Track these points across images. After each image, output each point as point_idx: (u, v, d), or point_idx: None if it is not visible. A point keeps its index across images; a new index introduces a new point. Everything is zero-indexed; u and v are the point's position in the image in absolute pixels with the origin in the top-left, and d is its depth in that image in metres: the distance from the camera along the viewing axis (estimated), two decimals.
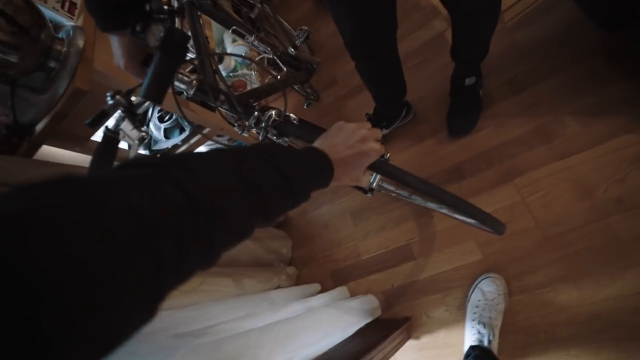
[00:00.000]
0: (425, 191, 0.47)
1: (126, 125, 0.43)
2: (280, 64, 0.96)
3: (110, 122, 0.45)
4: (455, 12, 0.86)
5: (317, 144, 0.46)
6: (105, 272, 0.17)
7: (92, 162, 0.47)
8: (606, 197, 0.91)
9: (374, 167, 0.47)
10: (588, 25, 0.98)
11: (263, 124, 0.53)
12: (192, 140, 1.16)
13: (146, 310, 0.21)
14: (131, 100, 0.45)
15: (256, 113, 0.53)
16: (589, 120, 0.97)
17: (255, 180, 0.31)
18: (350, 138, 0.46)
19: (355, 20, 0.81)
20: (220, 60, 1.37)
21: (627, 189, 0.89)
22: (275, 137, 0.58)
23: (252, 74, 1.37)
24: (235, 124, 0.59)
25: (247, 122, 0.55)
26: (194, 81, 0.50)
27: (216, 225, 0.25)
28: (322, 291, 1.23)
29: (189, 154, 0.32)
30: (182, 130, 1.16)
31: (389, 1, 0.80)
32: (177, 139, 1.16)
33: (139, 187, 0.22)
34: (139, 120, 0.45)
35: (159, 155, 0.31)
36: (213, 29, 1.34)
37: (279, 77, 0.88)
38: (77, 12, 0.86)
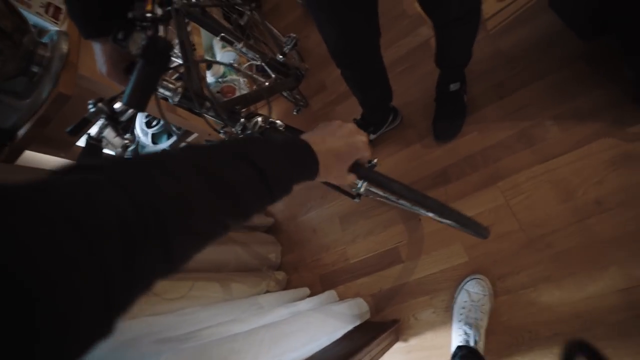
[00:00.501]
0: (410, 198, 0.47)
1: (109, 133, 0.43)
2: (269, 70, 0.96)
3: (93, 130, 0.45)
4: (436, 20, 0.88)
5: (304, 136, 0.44)
6: (49, 284, 0.16)
7: None
8: (585, 199, 0.94)
9: (360, 174, 0.47)
10: (568, 32, 1.01)
11: (249, 131, 0.53)
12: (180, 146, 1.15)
13: (101, 323, 0.19)
14: (114, 108, 0.45)
15: (242, 120, 0.54)
16: (570, 124, 1.00)
17: (224, 176, 0.29)
18: (338, 131, 0.45)
19: (338, 28, 0.83)
20: (209, 67, 1.37)
21: (605, 191, 0.92)
22: None
23: (239, 80, 1.38)
24: (221, 131, 0.59)
25: (233, 129, 0.56)
26: (179, 88, 0.51)
27: (172, 229, 0.23)
28: (311, 295, 1.23)
29: (147, 155, 0.29)
30: (169, 135, 1.16)
31: (370, 9, 0.82)
32: (164, 144, 1.15)
33: (77, 194, 0.20)
34: (123, 128, 0.45)
35: (104, 158, 0.29)
36: (202, 35, 1.34)
37: (267, 83, 0.89)
38: (61, 17, 0.86)
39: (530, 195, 1.01)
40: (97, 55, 0.48)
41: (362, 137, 0.46)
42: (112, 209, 0.21)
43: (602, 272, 0.88)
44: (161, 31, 0.44)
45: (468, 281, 1.01)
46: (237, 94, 1.38)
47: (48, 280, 0.16)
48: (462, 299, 0.99)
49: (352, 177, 0.47)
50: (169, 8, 0.55)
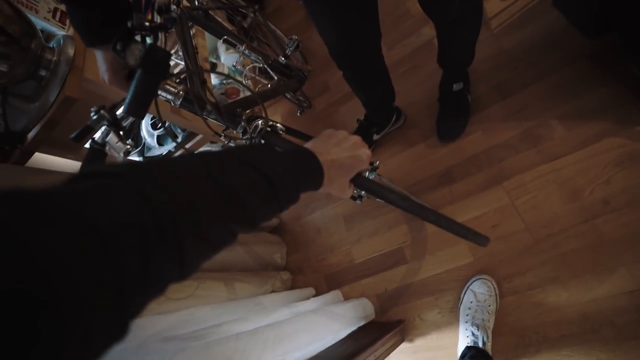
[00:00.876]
0: (407, 209, 0.47)
1: (112, 138, 0.44)
2: (271, 72, 0.97)
3: (97, 134, 0.46)
4: (437, 20, 0.88)
5: (308, 145, 0.44)
6: (64, 286, 0.16)
7: None
8: (592, 199, 0.93)
9: (358, 184, 0.48)
10: (572, 31, 1.00)
11: (248, 135, 0.54)
12: (187, 146, 1.17)
13: (115, 326, 0.20)
14: (115, 115, 0.45)
15: (243, 123, 0.54)
16: (575, 124, 0.99)
17: (234, 185, 0.29)
18: (342, 142, 0.45)
19: (338, 31, 0.83)
20: (214, 68, 1.38)
21: (612, 191, 0.91)
22: None
23: (243, 82, 1.38)
24: (222, 134, 0.60)
25: (234, 132, 0.56)
26: (181, 92, 0.51)
27: (186, 236, 0.24)
28: (316, 295, 1.24)
29: (158, 160, 0.29)
30: (174, 137, 1.17)
31: (369, 11, 0.82)
32: (170, 145, 1.17)
33: (94, 200, 0.20)
34: (126, 132, 0.46)
35: (121, 163, 0.29)
36: (206, 38, 1.35)
37: (269, 85, 0.90)
38: (68, 21, 0.88)
39: (535, 195, 1.00)
40: (99, 63, 0.49)
41: (366, 150, 0.47)
42: (129, 214, 0.21)
43: (609, 274, 0.87)
44: (161, 38, 0.44)
45: (474, 281, 1.00)
46: (242, 95, 1.39)
47: (61, 283, 0.16)
48: (468, 299, 0.99)
49: (352, 190, 0.48)
50: (168, 16, 0.55)
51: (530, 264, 0.96)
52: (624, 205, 0.89)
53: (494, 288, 0.98)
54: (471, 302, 0.98)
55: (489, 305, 0.95)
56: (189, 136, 1.17)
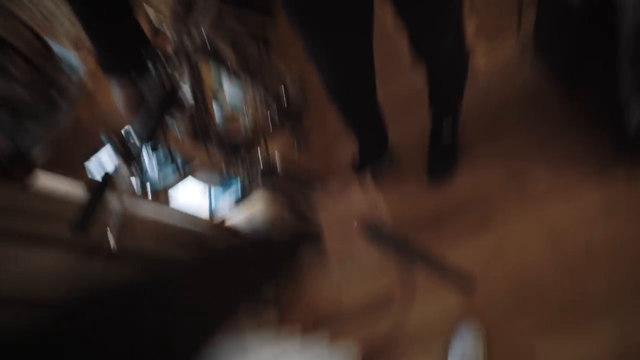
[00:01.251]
0: (395, 251, 0.48)
1: (119, 166, 0.45)
2: (272, 106, 1.00)
3: (108, 164, 0.47)
4: (427, 62, 0.92)
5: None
6: None
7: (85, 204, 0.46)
8: (574, 247, 0.95)
9: None
10: (555, 79, 1.07)
11: (249, 173, 0.55)
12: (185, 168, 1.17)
13: None
14: (125, 143, 0.47)
15: (245, 160, 0.56)
16: (561, 170, 1.04)
17: None
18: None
19: (333, 67, 0.86)
20: (216, 96, 1.42)
21: (596, 239, 0.93)
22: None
23: (244, 113, 1.41)
24: (224, 170, 0.61)
25: (237, 168, 0.57)
26: (186, 122, 0.53)
27: None
28: (300, 336, 1.19)
29: None
30: (177, 167, 1.17)
31: (364, 49, 0.86)
32: (168, 169, 1.17)
33: None
34: (132, 158, 0.47)
35: None
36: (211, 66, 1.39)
37: (270, 118, 0.91)
38: (83, 47, 0.91)
39: (520, 241, 1.01)
40: (113, 90, 0.50)
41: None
42: None
43: (599, 327, 0.87)
44: (170, 70, 0.47)
45: (462, 329, 0.99)
46: (241, 123, 1.41)
47: None
48: (456, 348, 0.97)
49: None
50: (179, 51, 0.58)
51: (517, 315, 0.96)
52: (607, 254, 0.91)
53: (482, 337, 0.96)
54: (459, 349, 0.96)
55: (477, 357, 0.93)
56: (191, 167, 1.17)
